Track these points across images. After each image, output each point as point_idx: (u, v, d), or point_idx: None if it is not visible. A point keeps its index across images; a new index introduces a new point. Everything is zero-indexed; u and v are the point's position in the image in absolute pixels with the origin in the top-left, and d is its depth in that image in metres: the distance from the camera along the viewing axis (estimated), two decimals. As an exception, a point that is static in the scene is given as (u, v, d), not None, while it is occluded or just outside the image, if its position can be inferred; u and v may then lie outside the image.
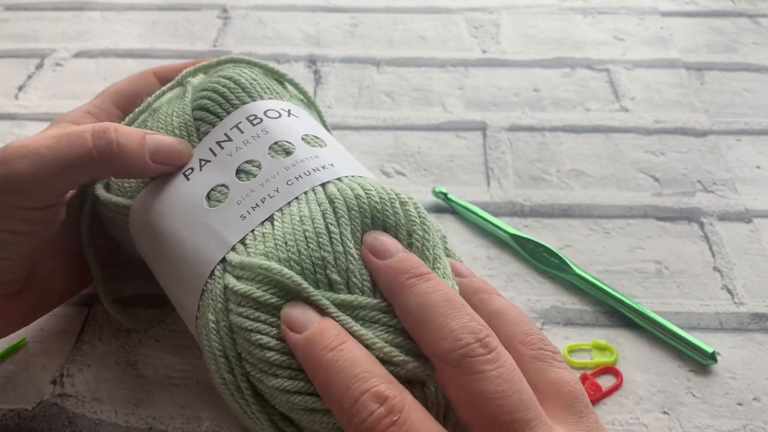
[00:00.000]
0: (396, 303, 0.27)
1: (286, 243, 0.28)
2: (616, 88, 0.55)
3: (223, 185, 0.31)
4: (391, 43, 0.59)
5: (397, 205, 0.29)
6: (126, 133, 0.31)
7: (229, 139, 0.32)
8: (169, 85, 0.37)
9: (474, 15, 0.63)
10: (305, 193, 0.30)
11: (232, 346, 0.27)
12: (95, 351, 0.37)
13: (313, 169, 0.30)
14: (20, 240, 0.31)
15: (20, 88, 0.55)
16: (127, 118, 0.36)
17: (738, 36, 0.60)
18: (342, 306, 0.27)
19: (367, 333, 0.26)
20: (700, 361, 0.36)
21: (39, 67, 0.57)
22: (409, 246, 0.29)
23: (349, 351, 0.25)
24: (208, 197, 0.30)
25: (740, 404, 0.35)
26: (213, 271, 0.28)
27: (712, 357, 0.36)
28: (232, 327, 0.27)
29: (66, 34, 0.61)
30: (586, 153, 0.49)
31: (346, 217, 0.28)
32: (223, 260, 0.28)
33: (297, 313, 0.26)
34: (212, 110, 0.34)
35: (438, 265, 0.29)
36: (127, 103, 0.37)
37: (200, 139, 0.33)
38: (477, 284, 0.30)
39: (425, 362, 0.26)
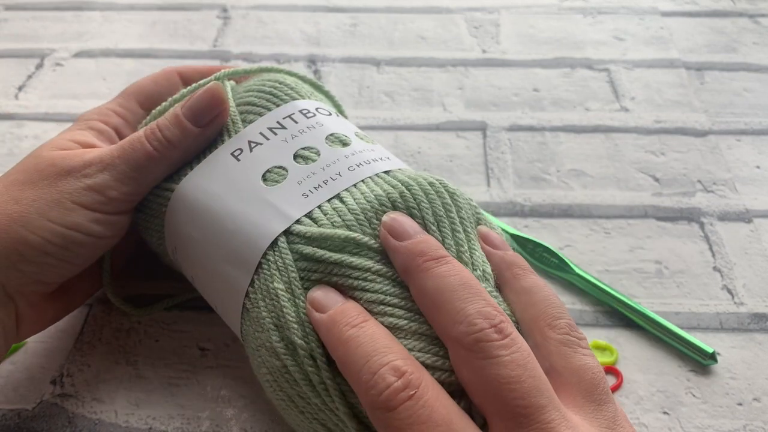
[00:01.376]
0: (412, 285, 0.27)
1: (366, 217, 0.29)
2: (616, 88, 0.55)
3: (280, 167, 0.31)
4: (391, 43, 0.59)
5: (462, 199, 0.30)
6: (164, 125, 0.33)
7: (283, 127, 0.33)
8: (203, 81, 0.36)
9: (474, 15, 0.63)
10: (371, 177, 0.30)
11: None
12: (95, 351, 0.37)
13: (373, 159, 0.31)
14: (90, 241, 0.32)
15: (20, 88, 0.55)
16: (150, 114, 0.36)
17: (738, 36, 0.60)
18: None
19: None
20: (700, 361, 0.36)
21: (39, 66, 0.57)
22: (467, 241, 0.29)
23: (369, 328, 0.26)
24: (264, 178, 0.31)
25: (740, 404, 0.35)
26: (276, 243, 0.29)
27: (712, 357, 0.36)
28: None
29: (66, 33, 0.61)
30: (586, 153, 0.49)
31: (426, 201, 0.29)
32: (289, 233, 0.29)
33: (320, 295, 0.27)
34: (260, 104, 0.34)
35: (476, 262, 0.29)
36: (150, 104, 0.38)
37: (245, 127, 0.34)
38: (511, 258, 0.30)
39: None
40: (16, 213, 0.31)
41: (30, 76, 0.56)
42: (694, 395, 0.35)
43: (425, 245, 0.27)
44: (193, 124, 0.33)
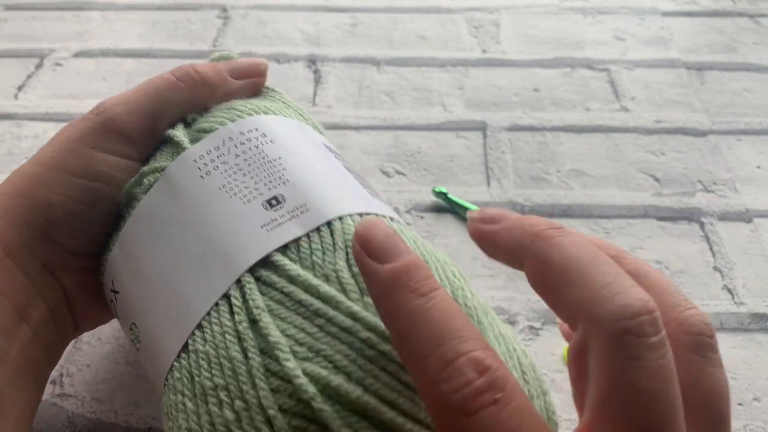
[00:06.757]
0: (531, 257, 0.22)
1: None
2: (616, 87, 0.54)
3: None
4: (391, 42, 0.59)
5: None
6: (197, 64, 0.32)
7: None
8: None
9: (474, 15, 0.62)
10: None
11: None
12: (95, 351, 0.37)
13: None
14: (118, 195, 0.30)
15: (20, 88, 0.55)
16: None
17: (738, 36, 0.60)
18: None
19: None
20: (700, 361, 0.36)
21: (39, 66, 0.57)
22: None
23: (442, 301, 0.20)
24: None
25: (741, 404, 0.35)
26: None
27: (713, 357, 0.36)
28: None
29: (66, 33, 0.61)
30: (586, 153, 0.49)
31: None
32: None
33: (382, 236, 0.22)
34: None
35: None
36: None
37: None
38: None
39: None
40: (36, 174, 0.29)
41: (30, 76, 0.56)
42: (694, 395, 0.35)
43: (535, 218, 0.23)
44: (229, 73, 0.32)
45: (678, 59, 0.57)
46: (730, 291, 0.40)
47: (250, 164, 0.28)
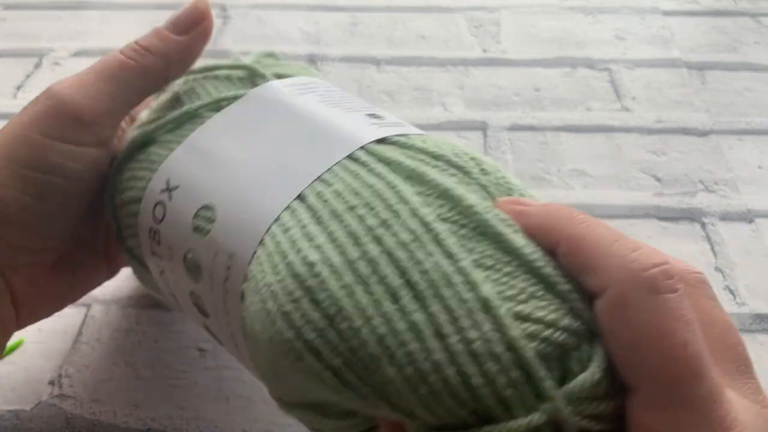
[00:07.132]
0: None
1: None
2: (617, 87, 0.54)
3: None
4: (391, 42, 0.59)
5: None
6: (142, 37, 0.31)
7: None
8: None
9: (474, 14, 0.62)
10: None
11: None
12: (94, 352, 0.37)
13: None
14: (71, 186, 0.28)
15: (19, 88, 0.55)
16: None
17: (739, 35, 0.60)
18: None
19: None
20: (702, 362, 0.36)
21: (37, 66, 0.57)
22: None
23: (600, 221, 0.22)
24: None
25: (742, 405, 0.35)
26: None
27: (714, 358, 0.36)
28: None
29: (64, 33, 0.60)
30: (587, 153, 0.49)
31: None
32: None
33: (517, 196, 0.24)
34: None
35: None
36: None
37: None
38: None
39: None
40: None
41: (28, 76, 0.56)
42: (696, 396, 0.35)
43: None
44: (173, 32, 0.30)
45: (679, 59, 0.57)
46: (731, 291, 0.40)
47: (339, 96, 0.29)
